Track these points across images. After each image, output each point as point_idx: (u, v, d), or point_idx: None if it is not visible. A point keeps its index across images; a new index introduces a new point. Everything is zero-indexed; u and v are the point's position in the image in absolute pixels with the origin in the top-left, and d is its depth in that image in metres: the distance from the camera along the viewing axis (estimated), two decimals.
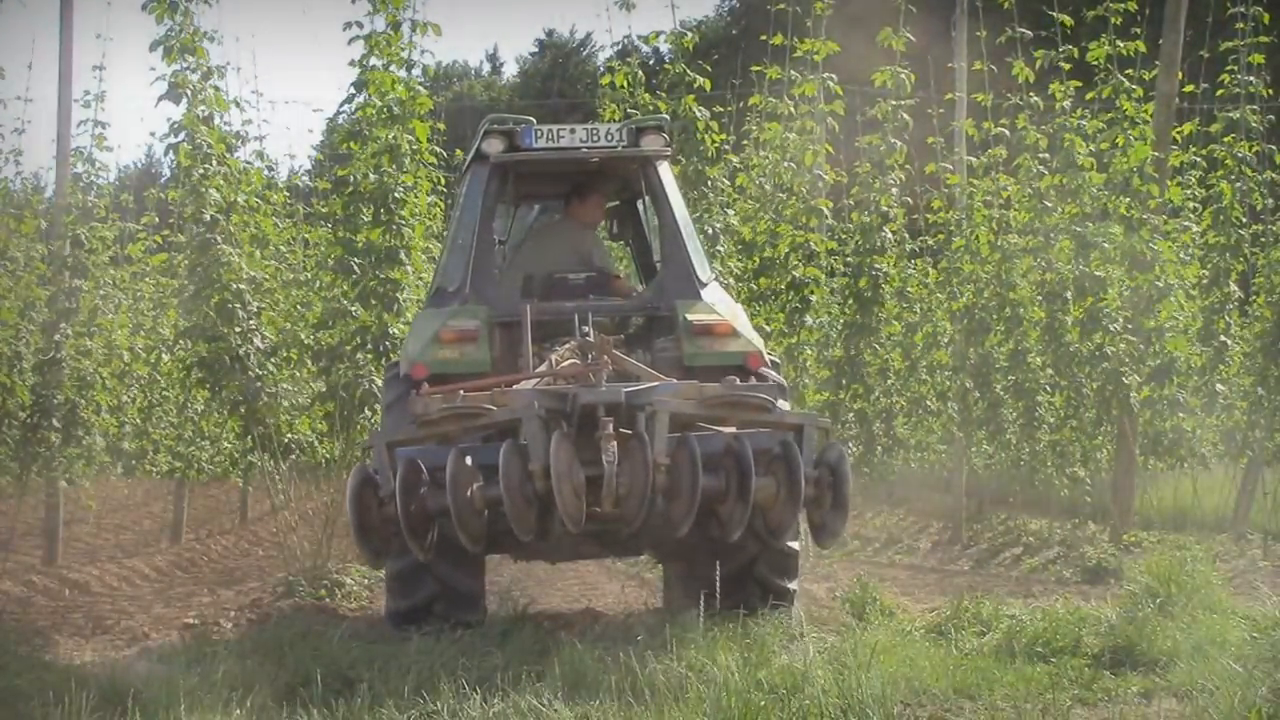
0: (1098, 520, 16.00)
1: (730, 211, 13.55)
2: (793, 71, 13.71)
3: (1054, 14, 13.66)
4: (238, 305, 11.16)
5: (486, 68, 66.29)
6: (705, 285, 8.63)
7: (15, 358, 13.97)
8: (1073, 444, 15.86)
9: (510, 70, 65.86)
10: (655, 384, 7.50)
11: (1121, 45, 13.29)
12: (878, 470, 15.78)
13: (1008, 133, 14.80)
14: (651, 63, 21.44)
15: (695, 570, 8.36)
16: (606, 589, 11.70)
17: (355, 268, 11.31)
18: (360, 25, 11.18)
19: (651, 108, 13.17)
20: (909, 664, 6.73)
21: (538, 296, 8.75)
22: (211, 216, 11.19)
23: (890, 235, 14.07)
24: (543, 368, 7.87)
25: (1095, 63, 13.50)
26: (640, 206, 9.77)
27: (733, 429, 7.59)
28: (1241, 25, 14.04)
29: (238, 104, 11.82)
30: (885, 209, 13.96)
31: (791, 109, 13.83)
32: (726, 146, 14.12)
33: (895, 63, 13.56)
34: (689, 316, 8.33)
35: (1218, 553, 12.88)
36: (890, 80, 13.55)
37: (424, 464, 7.29)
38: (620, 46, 13.94)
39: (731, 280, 13.19)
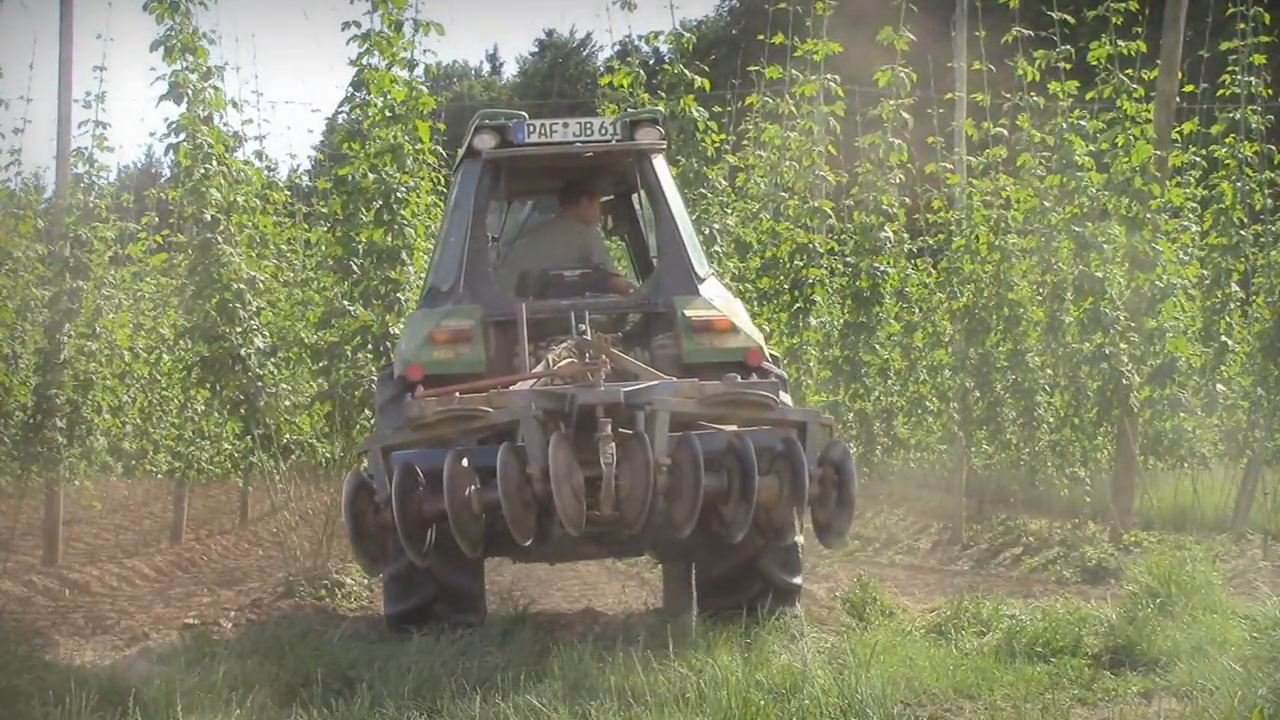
0: (1098, 520, 15.99)
1: (729, 212, 13.56)
2: (793, 71, 13.71)
3: (1054, 13, 13.66)
4: (238, 305, 11.16)
5: (486, 68, 66.35)
6: (703, 280, 8.49)
7: (15, 358, 13.98)
8: (1073, 444, 15.87)
9: (510, 70, 65.93)
10: (655, 383, 7.38)
11: (1122, 45, 13.29)
12: (878, 470, 15.77)
13: (1007, 133, 14.80)
14: (651, 63, 21.42)
15: (696, 570, 8.34)
16: (606, 589, 11.70)
17: (355, 267, 11.31)
18: (359, 25, 11.19)
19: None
20: (909, 664, 6.73)
21: (533, 294, 8.63)
22: (212, 216, 11.20)
23: (890, 235, 14.08)
24: (540, 368, 7.77)
25: (1096, 63, 13.50)
26: (635, 201, 9.63)
27: (734, 427, 7.48)
28: (1242, 25, 14.03)
29: (235, 104, 11.83)
30: (886, 208, 13.96)
31: (792, 108, 13.83)
32: (725, 147, 14.12)
33: (896, 62, 13.56)
34: (687, 313, 8.19)
35: (1218, 553, 12.87)
36: (890, 80, 13.55)
37: (420, 468, 7.17)
38: (620, 47, 13.96)
39: (730, 280, 13.20)
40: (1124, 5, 13.39)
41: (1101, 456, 15.86)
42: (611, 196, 9.90)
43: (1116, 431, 13.90)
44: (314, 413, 12.07)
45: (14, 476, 14.54)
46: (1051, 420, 15.60)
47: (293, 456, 11.93)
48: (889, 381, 16.24)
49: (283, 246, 15.29)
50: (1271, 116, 14.64)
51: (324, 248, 13.49)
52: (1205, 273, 14.52)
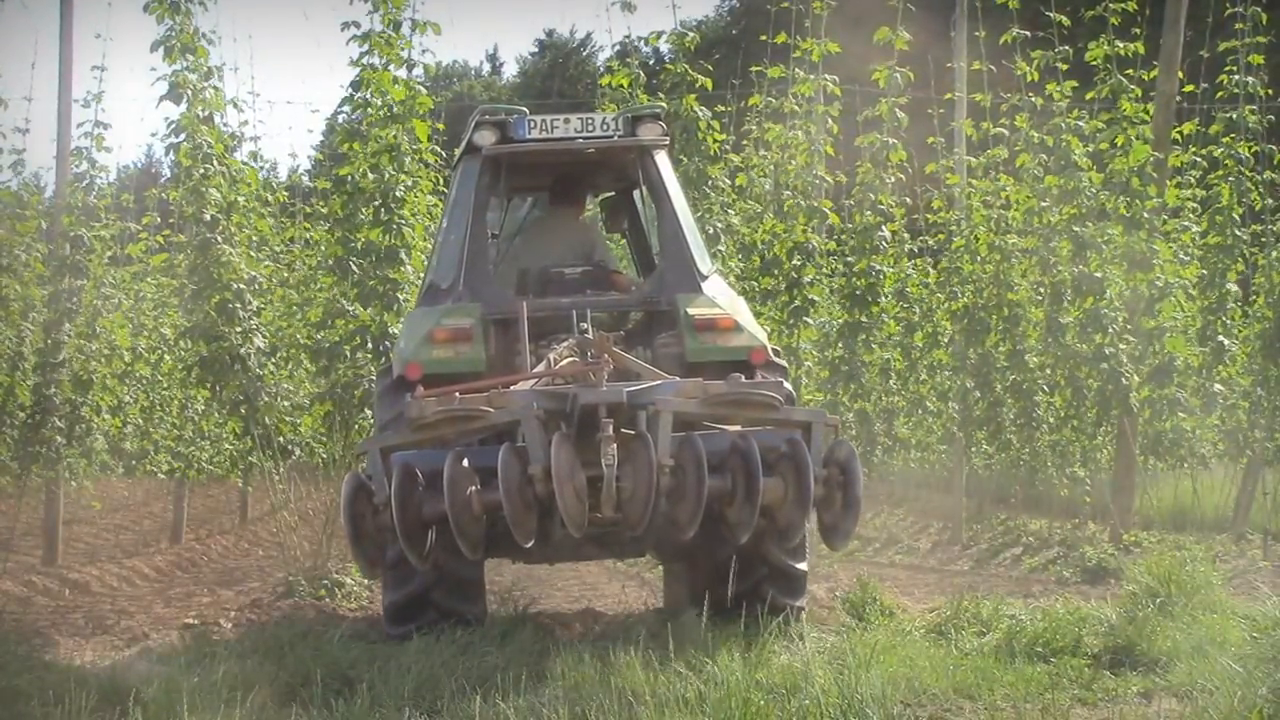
0: (1098, 520, 15.99)
1: (731, 211, 13.56)
2: (797, 70, 13.72)
3: (1052, 14, 13.66)
4: (238, 305, 11.16)
5: (486, 68, 66.34)
6: (706, 278, 8.37)
7: (16, 357, 13.98)
8: (1073, 444, 15.87)
9: (510, 70, 65.92)
10: (658, 383, 7.27)
11: (1120, 45, 13.29)
12: (878, 470, 15.76)
13: (1007, 133, 14.80)
14: (651, 63, 21.42)
15: (700, 560, 8.21)
16: (606, 589, 11.70)
17: (355, 267, 11.31)
18: (358, 25, 11.19)
19: None
20: (909, 664, 6.73)
21: (533, 292, 8.52)
22: (212, 216, 11.20)
23: (889, 235, 14.07)
24: (541, 367, 7.68)
25: (1094, 63, 13.51)
26: (637, 197, 9.51)
27: (738, 428, 7.40)
28: (1240, 25, 14.03)
29: (235, 104, 11.82)
30: (884, 208, 13.96)
31: (795, 107, 13.84)
32: (726, 147, 14.12)
33: (894, 62, 13.55)
34: (690, 311, 8.07)
35: (1218, 553, 12.87)
36: (887, 79, 13.54)
37: (420, 469, 7.07)
38: (620, 47, 13.95)
39: (733, 279, 13.20)
40: (1122, 5, 13.39)
41: (1101, 456, 15.85)
42: (613, 193, 9.79)
43: (1116, 431, 13.90)
44: (314, 413, 12.07)
45: (14, 476, 14.53)
46: (1051, 420, 15.60)
47: (292, 457, 11.93)
48: (889, 382, 16.24)
49: (278, 248, 15.29)
50: (1271, 116, 14.64)
51: (324, 248, 13.50)
52: (1204, 272, 14.52)
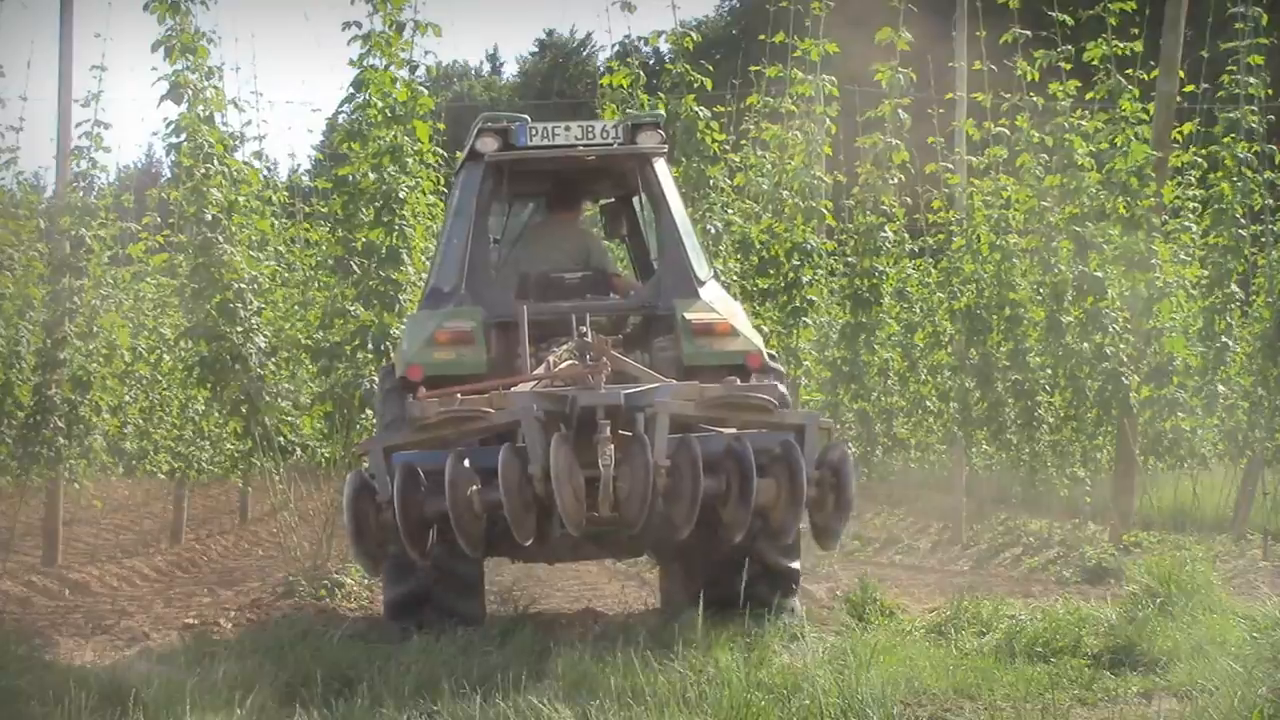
0: (1098, 520, 16.00)
1: (730, 211, 13.56)
2: (796, 70, 13.72)
3: (1053, 14, 13.66)
4: (239, 305, 11.16)
5: (486, 68, 66.35)
6: (704, 283, 8.52)
7: (14, 357, 13.97)
8: (1073, 444, 15.86)
9: (510, 70, 65.92)
10: (655, 385, 7.40)
11: (1119, 45, 13.29)
12: (878, 470, 15.75)
13: (1008, 132, 14.80)
14: (651, 63, 21.43)
15: (696, 559, 8.29)
16: (606, 589, 11.70)
17: (355, 267, 11.31)
18: (359, 25, 11.20)
19: (651, 108, 13.16)
20: (909, 664, 6.73)
21: (534, 296, 8.63)
22: (213, 216, 11.20)
23: (890, 235, 14.08)
24: (540, 369, 7.76)
25: (1093, 63, 13.51)
26: (636, 204, 9.64)
27: (734, 430, 7.50)
28: (1241, 26, 14.02)
29: (236, 105, 11.83)
30: (886, 208, 13.96)
31: (793, 108, 13.84)
32: (726, 147, 14.12)
33: (895, 62, 13.55)
34: (688, 315, 8.21)
35: (1218, 553, 12.89)
36: (889, 80, 13.54)
37: (421, 468, 7.19)
38: (620, 47, 13.95)
39: (733, 279, 13.20)
40: (1121, 6, 13.39)
41: (1101, 456, 15.85)
42: (613, 199, 9.92)
43: (1116, 431, 13.90)
44: (314, 413, 12.07)
45: (14, 476, 14.53)
46: (1052, 420, 15.60)
47: (292, 457, 11.93)
48: (889, 382, 16.24)
49: (280, 249, 15.28)
50: (1271, 116, 14.64)
51: (324, 247, 13.50)
52: (1205, 273, 14.53)
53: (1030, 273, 15.14)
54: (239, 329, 11.14)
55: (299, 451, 12.05)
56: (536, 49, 61.64)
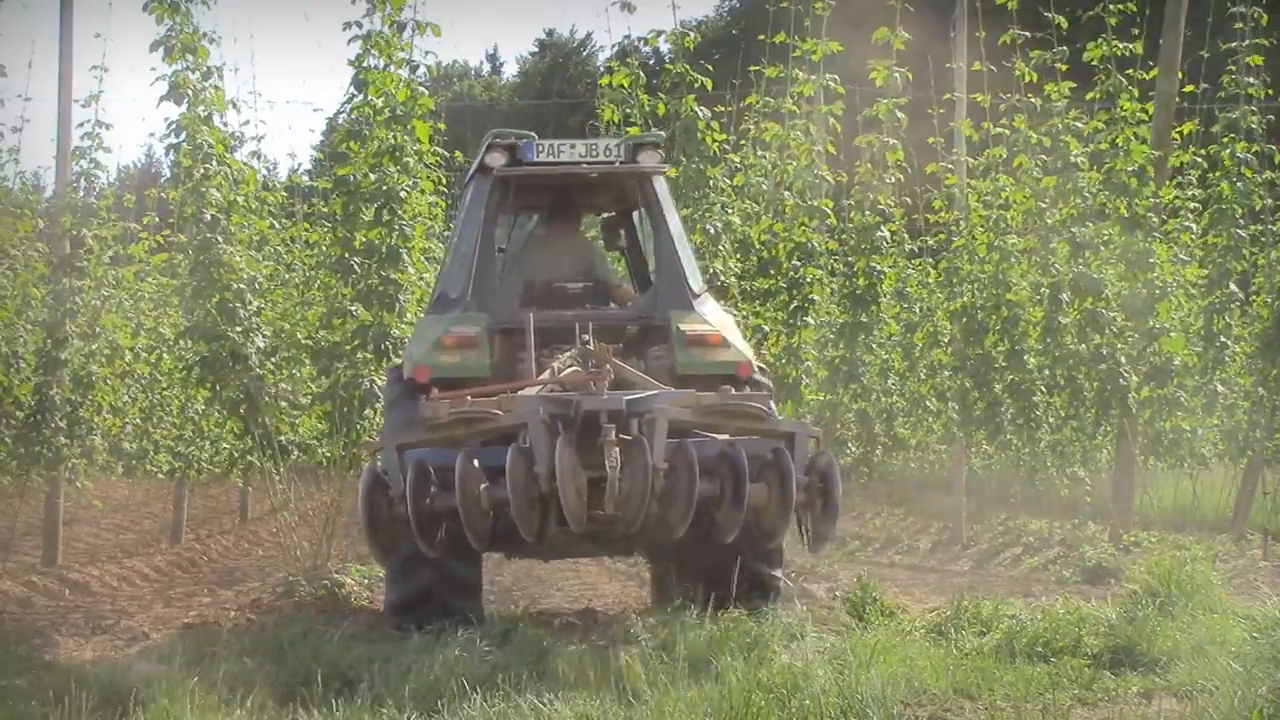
0: (1098, 520, 15.99)
1: (730, 212, 13.55)
2: (797, 70, 13.71)
3: (1050, 15, 13.66)
4: (238, 304, 11.16)
5: (486, 68, 66.33)
6: (698, 296, 8.96)
7: (14, 357, 13.97)
8: (1073, 444, 15.86)
9: (510, 70, 65.92)
10: (655, 392, 7.78)
11: (1118, 46, 13.29)
12: (878, 470, 15.74)
13: (1006, 133, 14.80)
14: (651, 63, 21.42)
15: (684, 563, 8.73)
16: (606, 588, 11.71)
17: (355, 267, 11.31)
18: (359, 25, 11.19)
19: (651, 108, 13.18)
20: (909, 664, 6.73)
21: (537, 304, 9.00)
22: (212, 216, 11.19)
23: (888, 235, 14.07)
24: (546, 374, 8.08)
25: (1093, 63, 13.51)
26: (635, 218, 10.03)
27: (727, 436, 7.80)
28: (1240, 26, 14.02)
29: (234, 105, 11.81)
30: (883, 208, 13.96)
31: (794, 108, 13.83)
32: (726, 147, 14.12)
33: (894, 61, 13.54)
34: (682, 327, 8.66)
35: (1218, 553, 12.89)
36: (886, 79, 13.54)
37: (432, 466, 7.51)
38: (620, 47, 13.95)
39: (734, 279, 13.20)
40: (1120, 6, 13.39)
41: (1101, 456, 15.85)
42: (614, 213, 10.33)
43: (1116, 431, 13.90)
44: (313, 413, 12.07)
45: (14, 476, 14.53)
46: (1051, 420, 15.60)
47: (292, 457, 11.93)
48: (889, 381, 16.23)
49: (279, 249, 15.27)
50: (1271, 116, 14.64)
51: (324, 247, 13.50)
52: (1204, 272, 14.53)
53: (1029, 273, 15.14)
54: (238, 328, 11.14)
55: (298, 452, 12.05)
56: (536, 49, 61.66)
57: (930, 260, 17.89)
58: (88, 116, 13.96)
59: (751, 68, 14.64)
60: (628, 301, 9.41)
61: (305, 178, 22.41)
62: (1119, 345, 13.34)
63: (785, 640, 7.39)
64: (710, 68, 13.53)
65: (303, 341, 12.28)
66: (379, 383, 10.91)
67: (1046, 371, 14.89)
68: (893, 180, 13.89)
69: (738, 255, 13.55)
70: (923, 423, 18.16)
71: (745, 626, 7.50)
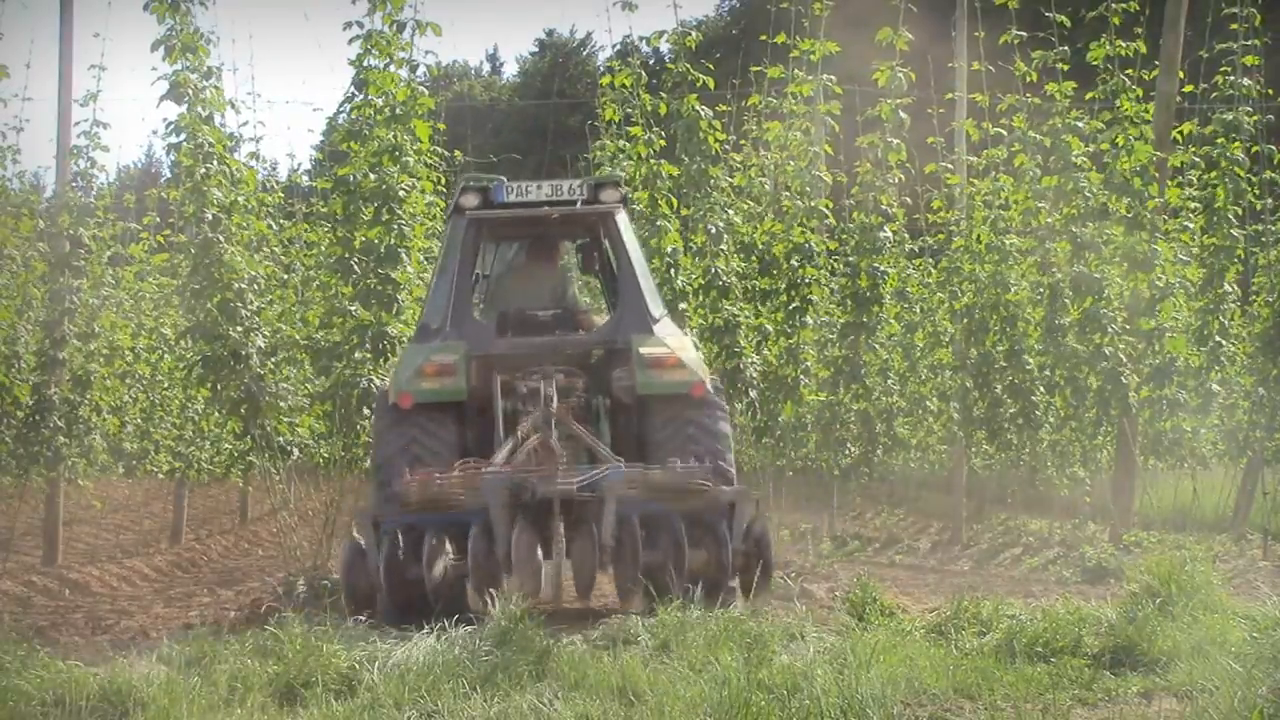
0: (1098, 520, 16.00)
1: (730, 211, 13.55)
2: (797, 70, 13.71)
3: (1051, 14, 13.65)
4: (239, 304, 11.16)
5: (486, 68, 66.36)
6: (658, 321, 9.74)
7: (13, 357, 13.97)
8: (1073, 444, 15.87)
9: (510, 70, 65.96)
10: (606, 470, 8.57)
11: (1121, 46, 13.28)
12: (878, 470, 15.74)
13: (1006, 133, 14.80)
14: (652, 63, 21.42)
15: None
16: (607, 589, 11.67)
17: (355, 267, 11.31)
18: (359, 25, 11.19)
19: (653, 107, 13.18)
20: (909, 664, 6.72)
21: (512, 331, 9.96)
22: (213, 216, 11.19)
23: (890, 235, 14.07)
24: (509, 445, 9.02)
25: (1095, 63, 13.50)
26: (607, 244, 10.59)
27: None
28: (1236, 26, 14.01)
29: (234, 105, 11.81)
30: (885, 208, 13.96)
31: (795, 107, 13.83)
32: (727, 147, 14.12)
33: (895, 62, 13.55)
34: (642, 350, 9.48)
35: (1218, 553, 12.89)
36: (888, 79, 13.54)
37: (403, 538, 8.47)
38: (621, 47, 13.95)
39: (734, 279, 13.20)
40: (1123, 6, 13.38)
41: (1101, 456, 15.86)
42: (586, 240, 11.06)
43: (1116, 431, 13.90)
44: (313, 413, 12.08)
45: (14, 476, 14.53)
46: (1051, 420, 15.59)
47: (292, 457, 11.93)
48: (889, 381, 16.24)
49: (277, 249, 15.27)
50: (1270, 116, 14.63)
51: (324, 247, 13.49)
52: (1202, 272, 14.53)
53: (1029, 273, 15.13)
54: (239, 328, 11.14)
55: (298, 452, 12.05)
56: (536, 49, 61.68)
57: (931, 260, 17.88)
58: (86, 115, 13.98)
59: (752, 68, 14.65)
60: (594, 327, 10.22)
61: (305, 178, 22.40)
62: (1120, 345, 13.33)
63: (785, 640, 7.38)
64: (711, 67, 13.53)
65: (302, 342, 12.28)
66: (378, 383, 10.95)
67: (1047, 371, 14.89)
68: (894, 181, 13.90)
69: (739, 255, 13.55)
70: (923, 423, 18.16)
71: (745, 626, 7.49)
